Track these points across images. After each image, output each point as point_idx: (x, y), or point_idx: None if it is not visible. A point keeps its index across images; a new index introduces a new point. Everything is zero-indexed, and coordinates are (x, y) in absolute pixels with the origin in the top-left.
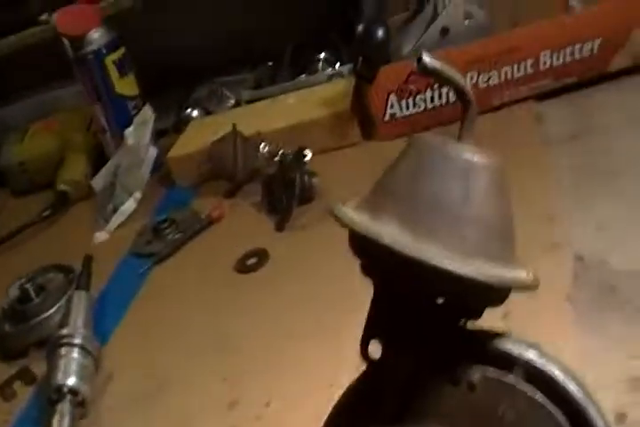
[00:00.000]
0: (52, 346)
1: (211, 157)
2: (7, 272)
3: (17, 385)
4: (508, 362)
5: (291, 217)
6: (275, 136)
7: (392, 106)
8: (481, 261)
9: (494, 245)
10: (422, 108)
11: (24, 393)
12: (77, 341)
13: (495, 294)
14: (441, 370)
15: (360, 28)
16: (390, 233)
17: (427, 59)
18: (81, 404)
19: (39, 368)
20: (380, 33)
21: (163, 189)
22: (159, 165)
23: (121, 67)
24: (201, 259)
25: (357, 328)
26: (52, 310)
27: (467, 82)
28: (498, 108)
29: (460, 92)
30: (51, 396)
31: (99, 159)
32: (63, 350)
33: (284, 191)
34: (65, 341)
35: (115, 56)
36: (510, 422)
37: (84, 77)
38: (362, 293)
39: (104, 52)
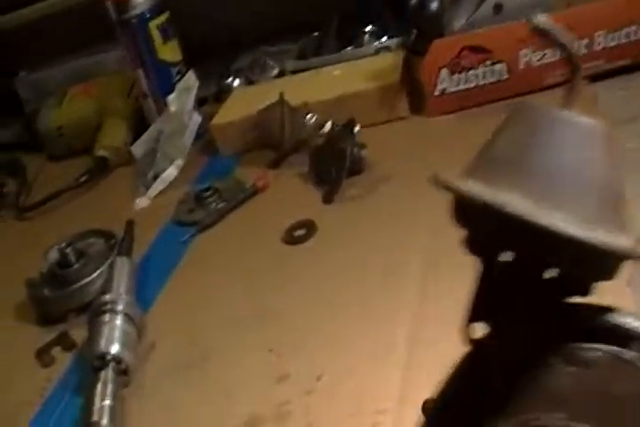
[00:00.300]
0: (94, 312)
1: (257, 126)
2: (44, 237)
3: (55, 351)
4: (625, 337)
5: (340, 189)
6: (321, 107)
7: (443, 81)
8: (602, 229)
9: (612, 214)
10: (474, 84)
11: (63, 359)
12: (121, 307)
13: (611, 265)
14: (553, 349)
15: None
16: (512, 201)
17: (541, 18)
18: (124, 372)
19: (78, 334)
20: (435, 5)
21: (204, 157)
22: (201, 133)
23: (164, 32)
24: (245, 229)
25: (405, 299)
26: (92, 276)
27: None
28: (550, 88)
29: (568, 57)
30: (93, 363)
31: (139, 125)
32: (106, 317)
33: (333, 162)
34: (108, 307)
35: (158, 21)
36: (629, 401)
37: (127, 42)
38: (411, 264)
39: (148, 16)
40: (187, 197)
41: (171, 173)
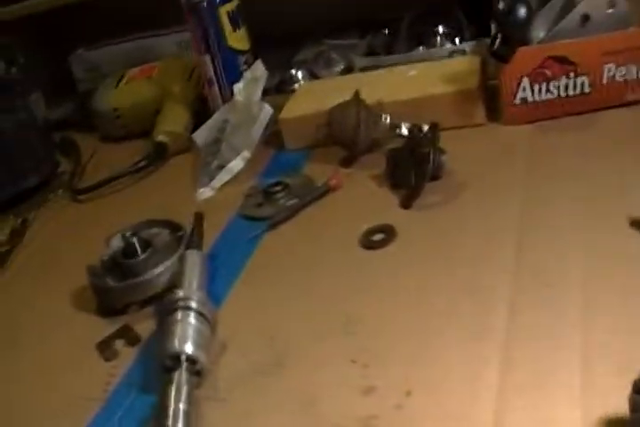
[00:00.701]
0: (165, 309)
1: (331, 122)
2: (101, 222)
3: (118, 344)
4: None
5: (420, 194)
6: (395, 108)
7: (524, 89)
8: None
9: None
10: (555, 95)
11: (127, 354)
12: (194, 305)
13: None
14: None
15: (502, 4)
16: None
17: None
18: (198, 373)
19: (141, 328)
20: (523, 12)
21: (270, 151)
22: (267, 126)
23: (234, 19)
24: (319, 229)
25: (494, 317)
26: (160, 269)
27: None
28: (631, 104)
29: None
30: (166, 363)
31: (200, 113)
32: (179, 315)
33: (414, 166)
34: (181, 304)
35: (229, 7)
36: None
37: (195, 26)
38: (499, 281)
39: (218, 1)
40: (254, 190)
41: (237, 164)
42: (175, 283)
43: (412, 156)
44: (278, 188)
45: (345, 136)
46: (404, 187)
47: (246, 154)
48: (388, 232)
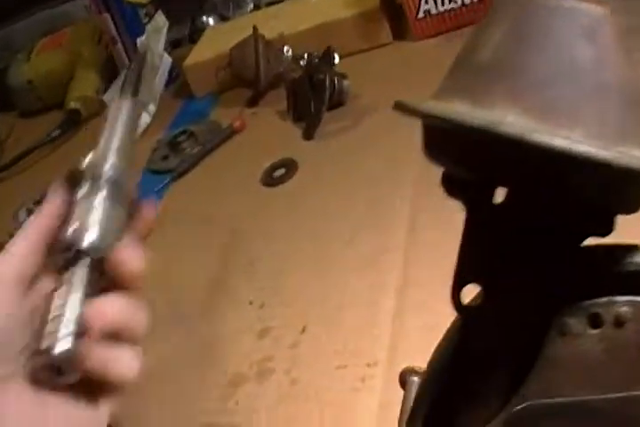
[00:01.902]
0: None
1: (231, 63)
2: (17, 196)
3: None
4: None
5: (320, 123)
6: (299, 39)
7: (427, 1)
8: (627, 146)
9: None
10: (459, 3)
11: None
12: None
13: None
14: (568, 308)
15: None
16: (507, 120)
17: None
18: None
19: None
20: None
21: (179, 101)
22: (175, 77)
23: None
24: (223, 173)
25: (394, 238)
26: None
27: None
28: None
29: None
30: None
31: (112, 74)
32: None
33: (313, 95)
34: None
35: None
36: None
37: None
38: (398, 199)
39: None
40: (159, 143)
41: (143, 119)
42: None
43: (311, 85)
44: (183, 137)
45: (247, 74)
46: (306, 118)
47: (152, 107)
48: (289, 166)
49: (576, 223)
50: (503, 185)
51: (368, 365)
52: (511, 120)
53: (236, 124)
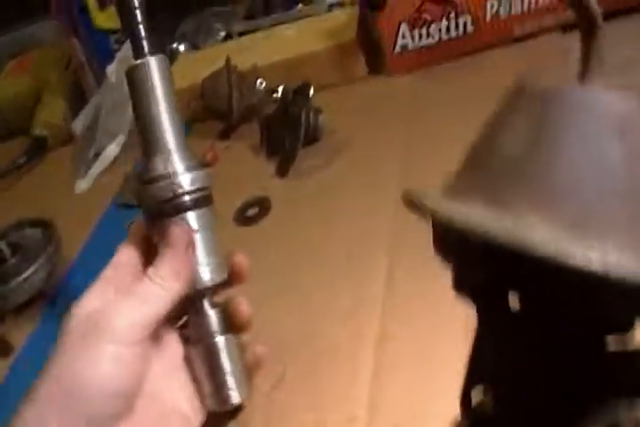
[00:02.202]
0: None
1: (203, 94)
2: None
3: None
4: None
5: (294, 160)
6: (272, 71)
7: (403, 36)
8: None
9: None
10: (437, 38)
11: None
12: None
13: None
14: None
15: None
16: (541, 237)
17: None
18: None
19: (16, 337)
20: None
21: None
22: None
23: None
24: None
25: (372, 287)
26: (29, 272)
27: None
28: (520, 40)
29: (583, 8)
30: None
31: (79, 101)
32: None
33: (287, 130)
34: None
35: None
36: None
37: (60, 9)
38: (377, 241)
39: None
40: (129, 176)
41: (112, 150)
42: None
43: (286, 119)
44: None
45: (219, 106)
46: (280, 154)
47: (121, 138)
48: (263, 205)
49: (597, 329)
50: (520, 292)
51: (348, 420)
52: (540, 234)
53: (208, 157)
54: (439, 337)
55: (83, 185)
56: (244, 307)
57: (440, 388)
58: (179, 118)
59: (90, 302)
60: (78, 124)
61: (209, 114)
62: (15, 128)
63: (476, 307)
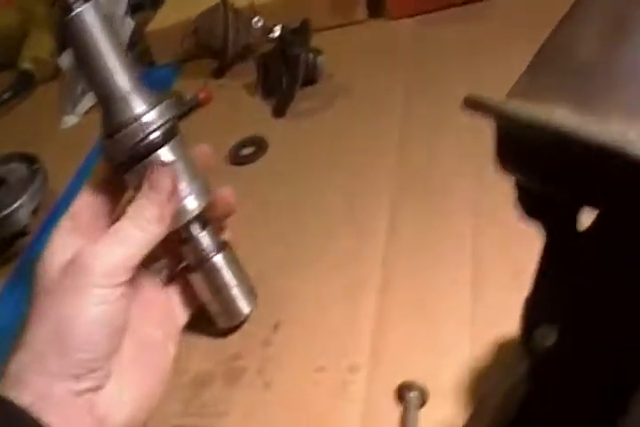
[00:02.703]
0: None
1: (197, 31)
2: None
3: None
4: None
5: (292, 100)
6: (269, 9)
7: None
8: None
9: None
10: None
11: None
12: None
13: None
14: None
15: None
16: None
17: None
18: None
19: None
20: None
21: (140, 68)
22: (135, 43)
23: None
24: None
25: (373, 231)
26: (14, 206)
27: None
28: None
29: None
30: None
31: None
32: None
33: (285, 70)
34: None
35: None
36: None
37: None
38: (378, 186)
39: None
40: None
41: None
42: None
43: (284, 59)
44: None
45: (214, 44)
46: (277, 94)
47: None
48: (259, 145)
49: None
50: (596, 206)
51: (349, 369)
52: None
53: (201, 95)
54: (442, 285)
55: (69, 121)
56: (227, 193)
57: (443, 337)
58: (126, 58)
59: (60, 247)
60: (65, 60)
61: (202, 52)
62: (2, 62)
63: (544, 229)
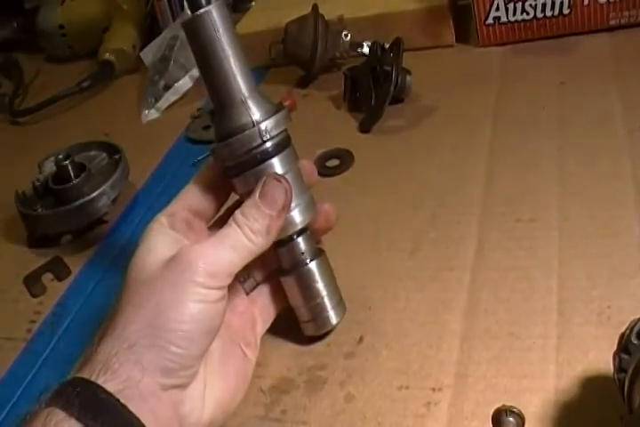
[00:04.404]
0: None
1: (287, 39)
2: (40, 145)
3: (47, 279)
4: None
5: (381, 116)
6: (357, 25)
7: (497, 8)
8: None
9: None
10: (531, 15)
11: (55, 289)
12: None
13: None
14: None
15: None
16: None
17: None
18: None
19: (73, 260)
20: None
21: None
22: None
23: None
24: None
25: (461, 256)
26: (94, 194)
27: None
28: (614, 29)
29: None
30: None
31: (149, 31)
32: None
33: (374, 87)
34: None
35: None
36: None
37: None
38: (465, 206)
39: None
40: (201, 112)
41: (185, 83)
42: None
43: (373, 75)
44: None
45: (301, 54)
46: (364, 109)
47: (195, 72)
48: (345, 158)
49: None
50: None
51: (433, 389)
52: None
53: (287, 103)
54: (532, 310)
55: (150, 116)
56: (327, 209)
57: (528, 363)
58: (247, 63)
59: (159, 242)
60: (147, 53)
61: (288, 60)
62: (79, 51)
63: None
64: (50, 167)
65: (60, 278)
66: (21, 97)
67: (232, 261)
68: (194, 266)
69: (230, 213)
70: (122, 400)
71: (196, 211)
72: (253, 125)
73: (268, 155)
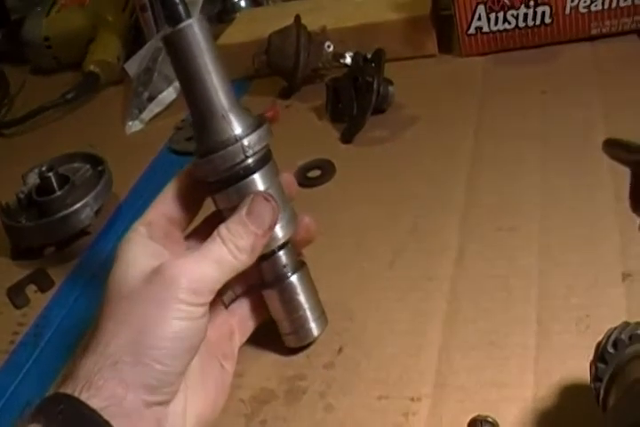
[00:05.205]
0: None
1: (270, 49)
2: (25, 157)
3: (30, 290)
4: None
5: (362, 127)
6: (339, 36)
7: (479, 18)
8: None
9: None
10: (513, 25)
11: (38, 301)
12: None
13: None
14: None
15: None
16: None
17: None
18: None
19: (57, 272)
20: None
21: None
22: None
23: None
24: None
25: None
26: (77, 206)
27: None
28: (595, 38)
29: None
30: None
31: (134, 42)
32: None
33: (356, 97)
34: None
35: None
36: None
37: None
38: (447, 217)
39: None
40: (185, 123)
41: (169, 94)
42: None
43: (355, 85)
44: None
45: (284, 64)
46: (346, 119)
47: (178, 83)
48: (326, 168)
49: None
50: None
51: (412, 399)
52: None
53: (269, 114)
54: (511, 319)
55: (134, 127)
56: (307, 222)
57: (507, 372)
58: (228, 77)
59: (139, 254)
60: (132, 65)
61: (271, 70)
62: (64, 63)
63: None
64: (34, 179)
65: (43, 290)
66: (7, 108)
67: (215, 278)
68: (177, 282)
69: (207, 223)
70: (105, 417)
71: (172, 219)
72: (236, 141)
73: (250, 171)
